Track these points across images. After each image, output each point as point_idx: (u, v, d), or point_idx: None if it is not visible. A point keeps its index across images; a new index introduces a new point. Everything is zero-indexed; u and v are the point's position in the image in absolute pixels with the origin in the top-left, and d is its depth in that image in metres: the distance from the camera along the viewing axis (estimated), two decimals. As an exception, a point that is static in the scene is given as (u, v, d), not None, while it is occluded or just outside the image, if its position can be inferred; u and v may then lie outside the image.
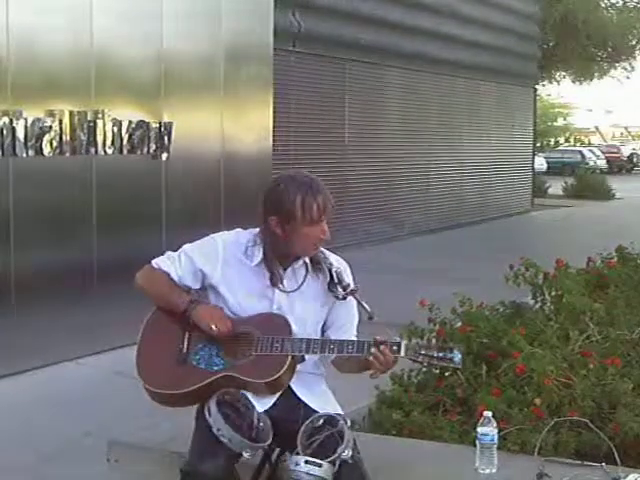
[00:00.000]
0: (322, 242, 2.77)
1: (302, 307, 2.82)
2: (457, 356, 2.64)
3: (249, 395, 2.71)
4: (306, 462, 2.52)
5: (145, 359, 2.80)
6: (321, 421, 2.66)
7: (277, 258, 2.79)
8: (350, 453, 2.58)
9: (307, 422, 2.64)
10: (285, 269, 2.81)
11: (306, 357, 2.77)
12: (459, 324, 4.27)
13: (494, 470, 2.95)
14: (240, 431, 2.59)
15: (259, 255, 2.79)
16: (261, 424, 2.64)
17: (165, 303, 2.84)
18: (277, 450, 2.82)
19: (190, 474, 2.64)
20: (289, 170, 2.92)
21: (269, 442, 2.65)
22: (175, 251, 2.89)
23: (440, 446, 3.44)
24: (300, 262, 2.82)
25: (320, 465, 2.51)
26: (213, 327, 2.72)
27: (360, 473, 2.66)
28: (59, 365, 5.83)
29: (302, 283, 2.82)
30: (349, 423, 2.69)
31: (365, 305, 2.75)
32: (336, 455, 2.55)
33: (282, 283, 2.79)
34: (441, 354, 2.65)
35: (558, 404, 3.54)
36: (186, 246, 2.88)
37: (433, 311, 4.36)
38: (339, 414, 2.75)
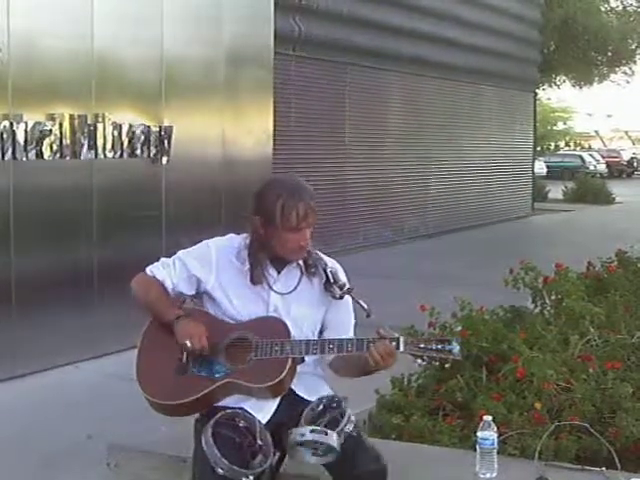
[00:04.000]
0: (303, 250, 2.76)
1: (298, 309, 2.82)
2: (455, 347, 2.64)
3: (249, 407, 2.71)
4: (312, 431, 2.54)
5: (145, 370, 2.79)
6: (321, 406, 2.67)
7: (270, 259, 2.80)
8: (352, 426, 2.62)
9: (307, 409, 2.65)
10: (279, 271, 2.82)
11: (306, 358, 2.77)
12: (459, 328, 4.27)
13: (494, 475, 2.95)
14: (239, 454, 2.56)
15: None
16: (260, 441, 2.62)
17: (155, 313, 2.84)
18: (277, 454, 2.81)
19: None
20: (282, 173, 2.93)
21: (270, 462, 2.62)
22: (171, 257, 2.90)
23: (440, 450, 3.43)
24: (294, 264, 2.83)
25: (326, 433, 2.53)
26: (187, 343, 2.70)
27: (366, 444, 2.69)
28: (59, 369, 5.83)
29: (297, 285, 2.82)
30: (348, 400, 2.71)
31: (362, 303, 2.77)
32: (339, 428, 2.58)
33: (277, 284, 2.80)
34: (440, 346, 2.65)
35: (558, 408, 3.54)
36: (180, 252, 2.89)
37: (433, 315, 4.36)
38: (336, 395, 2.75)
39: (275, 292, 2.81)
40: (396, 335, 2.69)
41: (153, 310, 2.85)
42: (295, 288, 2.82)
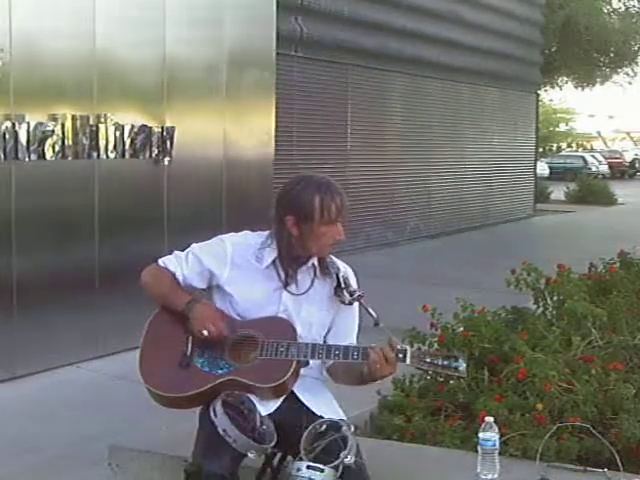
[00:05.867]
0: (338, 242, 2.78)
1: (308, 310, 2.82)
2: (462, 365, 2.64)
3: (253, 398, 2.71)
4: (308, 467, 2.51)
5: (148, 361, 2.79)
6: (324, 426, 2.65)
7: (292, 261, 2.78)
8: (353, 459, 2.57)
9: (310, 428, 2.63)
10: (294, 272, 2.81)
11: (310, 362, 2.77)
12: (461, 329, 4.27)
13: (496, 476, 2.94)
14: (245, 432, 2.59)
15: (270, 257, 2.79)
16: (264, 427, 2.63)
17: (165, 302, 2.85)
18: (279, 455, 2.81)
19: (194, 474, 2.63)
20: (305, 172, 2.92)
21: (274, 443, 2.64)
22: (181, 251, 2.89)
23: (442, 451, 3.43)
24: (309, 265, 2.82)
25: (322, 470, 2.50)
26: (204, 332, 2.71)
27: (363, 479, 2.65)
28: (60, 369, 5.82)
29: (310, 286, 2.82)
30: (352, 429, 2.68)
31: (371, 311, 2.75)
32: (339, 460, 2.54)
33: (293, 285, 2.79)
34: (446, 362, 2.65)
35: (560, 409, 3.53)
36: (194, 246, 2.88)
37: (435, 316, 4.36)
38: (342, 420, 2.74)
39: (288, 292, 2.80)
40: (403, 347, 2.69)
41: (163, 299, 2.85)
42: (308, 290, 2.82)
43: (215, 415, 2.58)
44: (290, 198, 2.73)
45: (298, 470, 2.51)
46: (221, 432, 2.55)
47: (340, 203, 2.72)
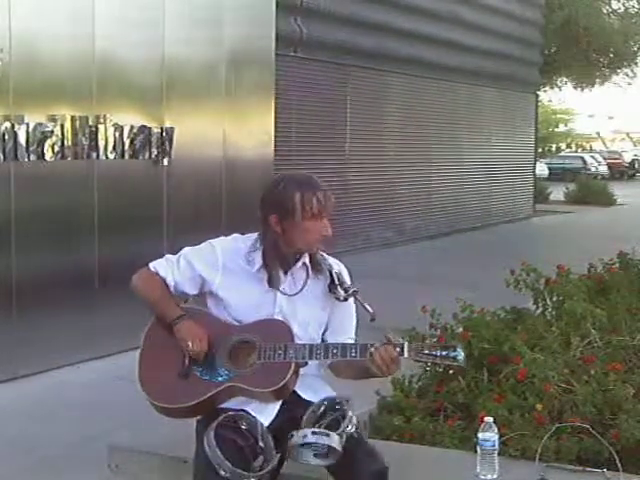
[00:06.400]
0: (325, 238, 2.77)
1: (304, 310, 2.82)
2: (460, 354, 2.63)
3: (252, 409, 2.71)
4: (313, 433, 2.54)
5: (147, 372, 2.79)
6: (322, 408, 2.67)
7: (278, 260, 2.78)
8: (354, 428, 2.60)
9: (309, 411, 2.64)
10: (286, 272, 2.81)
11: (309, 362, 2.76)
12: (460, 329, 4.27)
13: (495, 476, 2.95)
14: (242, 456, 2.57)
15: (260, 260, 2.78)
16: (262, 444, 2.62)
17: (156, 310, 2.84)
18: (278, 456, 2.81)
19: None
20: (302, 172, 2.93)
21: (271, 465, 2.62)
22: (176, 254, 2.88)
23: (441, 452, 3.43)
24: (300, 264, 2.82)
25: (327, 435, 2.53)
26: (189, 344, 2.71)
27: (367, 445, 2.69)
28: (60, 370, 5.82)
29: (303, 286, 2.82)
30: (350, 401, 2.70)
31: (367, 306, 2.76)
32: (341, 429, 2.57)
33: (283, 285, 2.79)
34: (444, 353, 2.64)
35: (559, 410, 3.53)
36: (185, 250, 2.87)
37: (434, 317, 4.36)
38: (340, 397, 2.74)
39: (282, 293, 2.80)
40: (400, 341, 2.69)
41: (154, 308, 2.84)
42: (301, 290, 2.81)
43: (209, 447, 2.56)
44: (272, 197, 2.74)
45: (304, 437, 2.54)
46: (215, 466, 2.54)
47: (322, 197, 2.71)
